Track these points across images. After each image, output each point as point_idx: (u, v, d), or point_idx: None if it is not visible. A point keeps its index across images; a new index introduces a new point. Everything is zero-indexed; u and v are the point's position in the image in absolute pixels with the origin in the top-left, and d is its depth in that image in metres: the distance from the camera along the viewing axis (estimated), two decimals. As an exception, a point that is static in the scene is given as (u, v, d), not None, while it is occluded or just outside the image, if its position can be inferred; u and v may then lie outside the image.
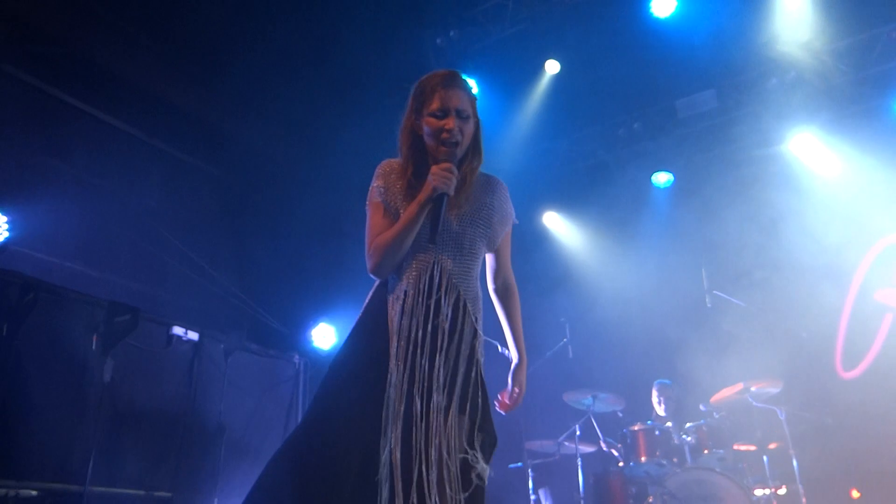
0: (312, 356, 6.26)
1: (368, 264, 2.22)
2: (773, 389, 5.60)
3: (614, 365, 6.52)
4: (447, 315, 2.17)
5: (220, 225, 6.16)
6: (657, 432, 5.54)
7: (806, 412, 5.67)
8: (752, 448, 5.56)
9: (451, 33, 7.02)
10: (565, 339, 6.18)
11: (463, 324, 2.19)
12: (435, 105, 2.23)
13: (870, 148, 6.31)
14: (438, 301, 2.17)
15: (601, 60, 6.44)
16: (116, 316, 4.62)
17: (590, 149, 7.50)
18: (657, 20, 6.37)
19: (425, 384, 2.09)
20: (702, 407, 5.77)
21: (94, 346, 4.49)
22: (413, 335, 2.13)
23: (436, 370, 2.11)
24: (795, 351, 6.13)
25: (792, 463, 5.29)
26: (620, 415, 6.01)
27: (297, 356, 6.17)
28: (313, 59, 6.30)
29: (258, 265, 6.32)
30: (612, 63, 6.41)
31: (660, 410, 5.97)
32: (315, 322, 6.50)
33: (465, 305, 2.21)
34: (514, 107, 7.11)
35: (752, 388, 5.54)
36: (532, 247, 7.38)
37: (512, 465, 5.91)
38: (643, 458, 5.47)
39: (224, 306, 5.91)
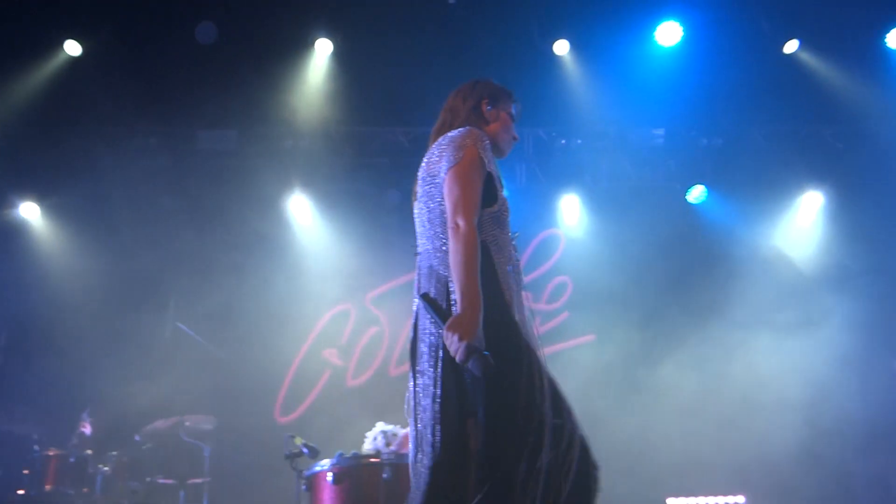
0: None
1: (464, 228, 2.14)
2: (207, 426, 5.82)
3: (53, 384, 5.98)
4: None
5: None
6: (72, 459, 5.23)
7: (232, 451, 5.99)
8: (171, 482, 5.60)
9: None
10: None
11: None
12: (513, 112, 2.58)
13: (348, 224, 7.20)
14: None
15: (121, 61, 6.13)
16: None
17: (100, 151, 6.94)
18: (200, 46, 6.33)
19: None
20: (137, 437, 5.67)
21: None
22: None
23: None
24: (239, 392, 6.51)
25: (203, 499, 5.52)
26: (35, 437, 5.48)
27: None
28: None
29: None
30: (133, 70, 6.16)
31: (85, 437, 5.64)
32: None
33: None
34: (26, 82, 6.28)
35: (187, 423, 5.66)
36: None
37: None
38: (48, 486, 5.12)
39: None
